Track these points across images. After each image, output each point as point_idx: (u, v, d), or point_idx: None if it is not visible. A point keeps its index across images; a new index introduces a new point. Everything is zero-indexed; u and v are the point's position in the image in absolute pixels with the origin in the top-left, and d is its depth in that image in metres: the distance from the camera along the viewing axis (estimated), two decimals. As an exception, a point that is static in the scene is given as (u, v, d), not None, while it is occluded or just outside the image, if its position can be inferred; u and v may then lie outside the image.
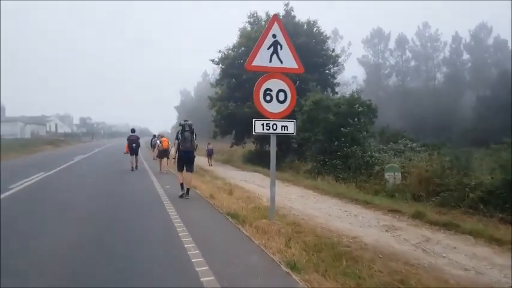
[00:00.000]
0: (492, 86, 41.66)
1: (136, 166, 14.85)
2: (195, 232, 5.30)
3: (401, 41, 58.55)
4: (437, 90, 54.06)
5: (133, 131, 15.86)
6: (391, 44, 59.96)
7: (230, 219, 6.30)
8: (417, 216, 7.44)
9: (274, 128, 6.19)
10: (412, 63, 59.08)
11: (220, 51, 23.71)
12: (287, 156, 23.49)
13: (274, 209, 6.40)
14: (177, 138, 8.52)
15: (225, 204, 7.75)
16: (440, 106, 46.35)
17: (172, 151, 10.00)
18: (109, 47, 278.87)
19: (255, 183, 14.09)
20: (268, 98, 6.17)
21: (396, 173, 11.60)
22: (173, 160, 9.16)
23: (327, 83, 23.70)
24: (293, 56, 6.27)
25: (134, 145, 14.80)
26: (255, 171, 18.53)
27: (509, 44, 51.81)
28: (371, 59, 60.33)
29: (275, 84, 6.20)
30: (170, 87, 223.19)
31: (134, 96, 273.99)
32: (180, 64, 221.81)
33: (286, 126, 6.28)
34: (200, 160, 21.78)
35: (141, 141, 16.50)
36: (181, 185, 8.61)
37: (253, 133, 6.22)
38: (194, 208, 7.54)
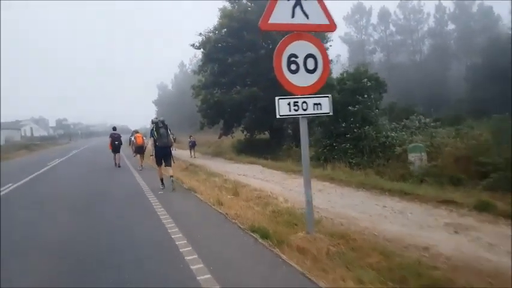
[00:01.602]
0: (482, 53, 40.64)
1: (119, 164, 15.19)
2: (218, 271, 3.59)
3: (384, 15, 57.24)
4: (424, 63, 53.13)
5: (114, 128, 16.39)
6: (374, 19, 58.68)
7: (259, 239, 4.61)
8: (482, 207, 5.93)
9: (305, 107, 4.59)
10: (397, 37, 57.85)
11: (200, 34, 21.75)
12: (282, 143, 21.94)
13: (312, 219, 4.79)
14: (151, 135, 8.81)
15: (239, 211, 6.11)
16: (428, 79, 45.43)
17: (149, 148, 9.90)
18: (80, 45, 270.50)
19: (257, 177, 12.47)
20: (293, 67, 4.55)
21: (422, 154, 10.12)
22: (151, 157, 9.58)
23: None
24: (322, 8, 4.60)
25: (117, 143, 15.30)
26: (251, 163, 16.87)
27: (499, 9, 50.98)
28: (354, 35, 58.89)
29: (301, 47, 4.62)
30: (146, 81, 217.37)
31: (111, 94, 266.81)
32: (155, 57, 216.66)
33: (319, 104, 4.67)
34: (182, 154, 21.13)
35: (123, 138, 16.55)
36: (161, 180, 9.01)
37: (278, 116, 4.57)
38: (205, 224, 5.68)
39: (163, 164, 8.91)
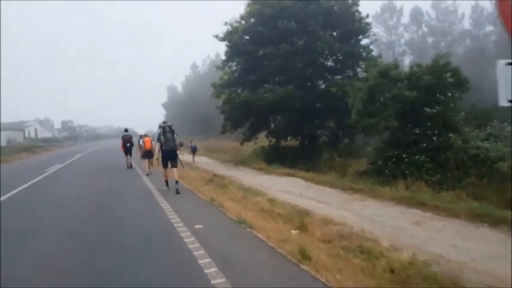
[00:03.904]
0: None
1: (131, 165, 15.87)
2: None
3: (417, 15, 54.33)
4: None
5: (126, 130, 16.78)
6: (405, 19, 55.83)
7: None
8: None
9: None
10: (429, 39, 54.89)
11: (226, 23, 19.29)
12: (318, 152, 19.33)
13: None
14: (158, 140, 9.17)
15: (330, 264, 3.71)
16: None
17: (156, 152, 9.72)
18: (91, 45, 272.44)
19: (307, 196, 9.95)
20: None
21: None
22: (156, 161, 9.70)
23: (358, 57, 19.36)
24: None
25: (128, 144, 15.77)
26: (288, 175, 14.32)
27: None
28: (383, 36, 56.00)
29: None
30: (156, 84, 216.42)
31: (118, 95, 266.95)
32: (166, 58, 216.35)
33: None
34: (183, 158, 19.11)
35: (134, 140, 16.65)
36: (166, 182, 9.56)
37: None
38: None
39: (169, 165, 9.31)
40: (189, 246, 4.42)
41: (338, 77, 19.18)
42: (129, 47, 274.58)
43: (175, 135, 9.27)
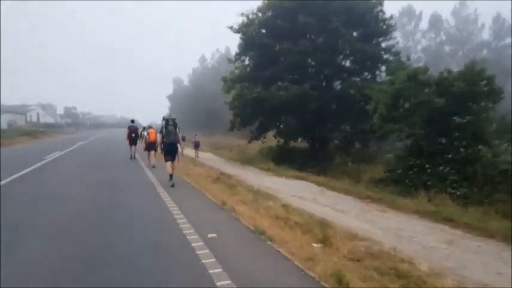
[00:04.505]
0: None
1: (134, 156, 15.94)
2: None
3: (436, 21, 53.53)
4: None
5: (132, 121, 16.79)
6: (423, 25, 55.04)
7: None
8: None
9: None
10: (447, 47, 54.05)
11: (242, 14, 18.68)
12: (328, 155, 18.75)
13: None
14: (161, 132, 9.31)
15: None
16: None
17: (158, 143, 10.03)
18: (98, 32, 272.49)
19: (321, 203, 9.42)
20: None
21: None
22: (158, 152, 10.32)
23: (379, 59, 18.74)
24: None
25: (133, 135, 15.81)
26: (298, 178, 13.78)
27: None
28: (399, 41, 55.18)
29: None
30: (162, 75, 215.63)
31: (122, 84, 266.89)
32: (174, 49, 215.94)
33: None
34: (187, 152, 19.10)
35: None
36: (170, 175, 9.33)
37: None
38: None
39: (171, 159, 9.35)
40: (203, 260, 3.81)
41: (356, 79, 18.56)
42: (138, 39, 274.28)
43: (177, 129, 9.28)
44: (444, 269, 4.67)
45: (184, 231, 4.91)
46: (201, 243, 4.40)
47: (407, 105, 11.40)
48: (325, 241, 5.33)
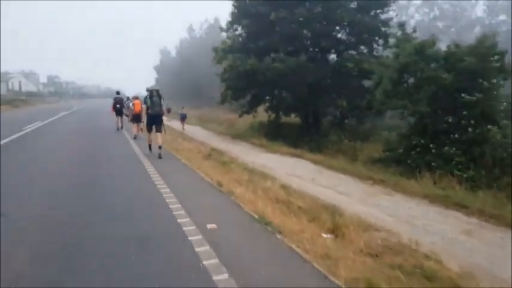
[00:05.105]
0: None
1: (121, 126, 16.13)
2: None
3: (430, -4, 52.43)
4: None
5: (118, 93, 17.22)
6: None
7: None
8: None
9: None
10: (439, 23, 53.08)
11: (236, -22, 17.49)
12: (321, 132, 18.15)
13: None
14: (145, 102, 9.33)
15: None
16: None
17: (143, 115, 10.03)
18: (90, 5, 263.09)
19: (320, 183, 8.85)
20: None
21: None
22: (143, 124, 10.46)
23: (378, 32, 17.85)
24: None
25: (118, 106, 15.95)
26: (293, 155, 13.12)
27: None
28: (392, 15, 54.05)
29: None
30: (148, 44, 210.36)
31: (107, 53, 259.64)
32: (159, 18, 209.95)
33: None
34: (174, 125, 20.60)
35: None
36: (149, 146, 9.88)
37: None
38: None
39: (154, 130, 9.42)
40: (204, 262, 3.14)
41: (352, 52, 17.73)
42: (126, 8, 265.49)
43: (162, 100, 9.30)
44: (472, 267, 4.13)
45: (179, 220, 4.23)
46: (200, 237, 3.72)
47: (411, 80, 10.74)
48: (335, 231, 4.77)
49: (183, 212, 4.56)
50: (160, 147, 9.22)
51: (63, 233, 3.83)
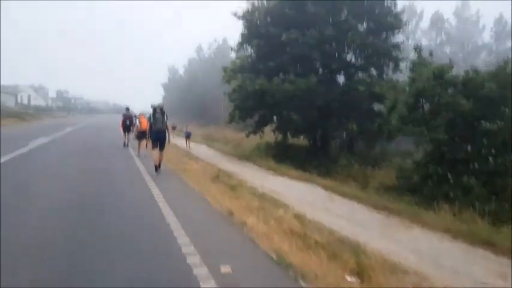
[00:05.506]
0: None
1: (127, 143, 16.08)
2: None
3: (438, 21, 52.48)
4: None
5: (127, 109, 17.19)
6: (424, 24, 53.98)
7: None
8: None
9: None
10: (447, 48, 53.05)
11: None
12: (330, 155, 17.75)
13: None
14: (149, 120, 9.68)
15: None
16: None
17: (147, 132, 10.00)
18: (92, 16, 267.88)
19: (332, 212, 8.36)
20: None
21: None
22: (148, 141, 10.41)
23: (388, 55, 17.59)
24: None
25: (128, 122, 15.94)
26: (301, 179, 12.66)
27: None
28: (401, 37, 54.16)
29: None
30: (157, 62, 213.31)
31: (116, 71, 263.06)
32: (171, 41, 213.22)
33: None
34: (178, 142, 20.56)
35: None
36: (155, 166, 9.61)
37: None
38: None
39: (158, 148, 9.53)
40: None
41: (362, 75, 17.49)
42: (136, 26, 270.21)
43: (165, 117, 9.51)
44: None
45: (188, 260, 3.76)
46: (213, 286, 3.23)
47: (427, 106, 10.37)
48: (360, 272, 4.29)
49: (192, 248, 4.09)
50: (160, 163, 9.64)
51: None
